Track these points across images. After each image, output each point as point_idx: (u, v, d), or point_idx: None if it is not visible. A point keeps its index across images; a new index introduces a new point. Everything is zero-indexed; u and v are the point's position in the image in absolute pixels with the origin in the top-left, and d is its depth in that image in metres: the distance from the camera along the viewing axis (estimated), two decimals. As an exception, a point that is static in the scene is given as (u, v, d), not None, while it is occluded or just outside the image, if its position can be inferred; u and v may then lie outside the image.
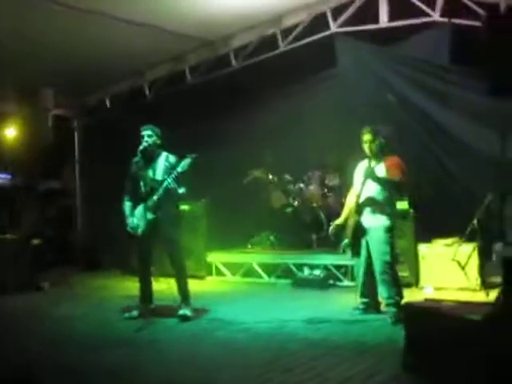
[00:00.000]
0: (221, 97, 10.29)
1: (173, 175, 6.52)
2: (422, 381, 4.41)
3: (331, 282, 8.51)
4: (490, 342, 4.09)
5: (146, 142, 6.73)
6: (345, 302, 7.04)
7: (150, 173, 6.73)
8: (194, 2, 8.58)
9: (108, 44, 9.22)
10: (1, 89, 10.33)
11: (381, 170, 6.46)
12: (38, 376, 4.74)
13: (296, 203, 9.46)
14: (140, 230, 6.69)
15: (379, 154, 6.50)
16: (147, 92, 11.42)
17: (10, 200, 11.88)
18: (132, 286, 7.24)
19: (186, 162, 6.49)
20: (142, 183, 6.74)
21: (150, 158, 6.77)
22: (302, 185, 9.43)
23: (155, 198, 6.59)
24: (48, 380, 4.72)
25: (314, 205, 9.32)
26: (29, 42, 8.64)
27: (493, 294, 6.26)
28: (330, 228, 6.92)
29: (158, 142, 6.82)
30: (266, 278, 9.26)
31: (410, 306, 5.12)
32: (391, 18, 8.94)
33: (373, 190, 6.47)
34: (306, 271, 8.67)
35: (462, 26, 8.46)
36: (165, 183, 6.56)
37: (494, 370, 4.03)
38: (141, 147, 6.72)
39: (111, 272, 10.12)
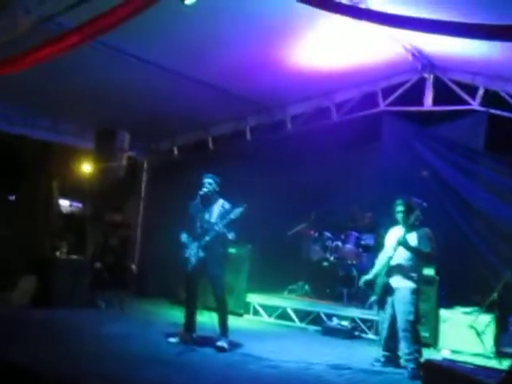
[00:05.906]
0: (278, 156, 10.25)
1: (225, 220, 6.60)
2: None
3: (357, 333, 8.33)
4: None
5: (206, 188, 6.81)
6: (367, 353, 6.88)
7: (207, 215, 6.79)
8: (255, 73, 8.69)
9: (177, 98, 9.36)
10: (84, 129, 10.65)
11: (412, 239, 6.42)
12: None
13: (332, 258, 9.40)
14: (190, 266, 6.72)
15: (413, 225, 6.44)
16: (211, 145, 11.56)
17: (79, 226, 12.10)
18: (177, 314, 7.20)
19: (238, 211, 6.57)
20: (198, 224, 6.80)
21: (207, 202, 6.83)
22: (339, 243, 9.39)
23: (207, 238, 6.64)
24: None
25: (349, 262, 9.25)
26: (109, 91, 8.85)
27: (506, 363, 6.06)
28: (360, 281, 6.87)
29: (217, 189, 6.91)
30: (297, 322, 9.12)
31: (430, 362, 4.99)
32: (434, 103, 8.99)
33: (403, 255, 6.44)
34: (335, 321, 8.53)
35: (498, 116, 8.47)
36: (217, 226, 6.62)
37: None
38: (201, 192, 6.81)
39: (159, 299, 10.13)
